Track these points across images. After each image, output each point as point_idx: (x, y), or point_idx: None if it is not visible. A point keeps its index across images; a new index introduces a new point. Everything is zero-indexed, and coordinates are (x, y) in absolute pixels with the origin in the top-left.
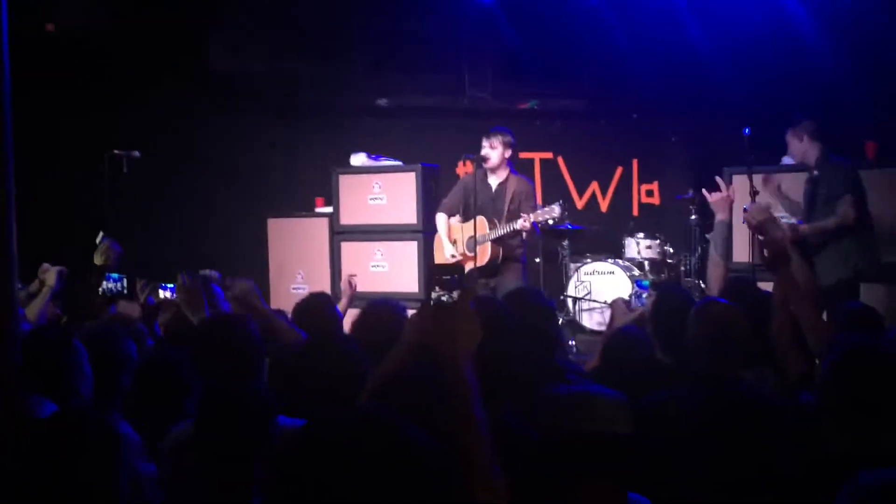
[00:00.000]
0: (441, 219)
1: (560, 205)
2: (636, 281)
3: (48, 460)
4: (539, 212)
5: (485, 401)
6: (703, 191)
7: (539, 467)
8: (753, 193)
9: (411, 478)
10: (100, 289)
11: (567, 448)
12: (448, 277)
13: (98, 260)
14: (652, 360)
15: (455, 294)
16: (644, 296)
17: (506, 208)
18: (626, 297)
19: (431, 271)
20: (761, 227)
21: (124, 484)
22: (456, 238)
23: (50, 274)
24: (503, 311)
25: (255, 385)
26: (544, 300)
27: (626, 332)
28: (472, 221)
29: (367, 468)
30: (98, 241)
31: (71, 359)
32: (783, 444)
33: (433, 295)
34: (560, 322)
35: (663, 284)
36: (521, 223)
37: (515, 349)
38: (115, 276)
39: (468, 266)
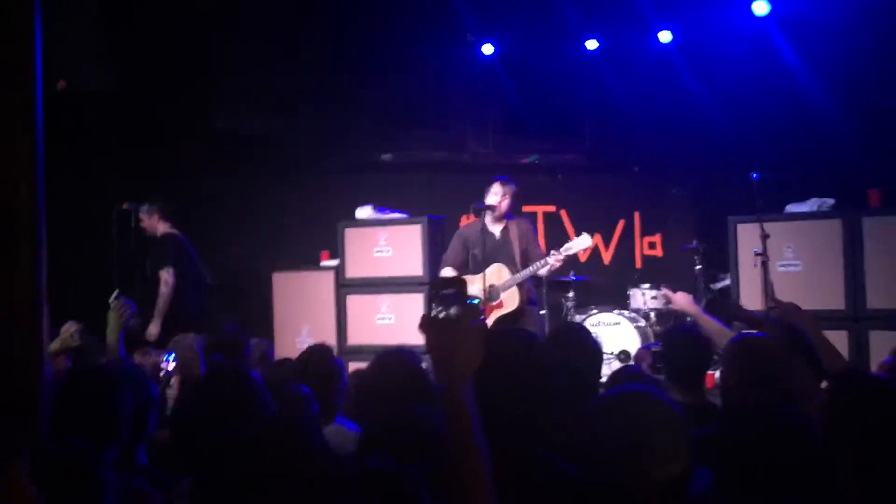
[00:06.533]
0: (449, 272)
1: (588, 234)
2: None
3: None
4: (569, 244)
5: (517, 434)
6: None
7: None
8: (764, 238)
9: None
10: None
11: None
12: (447, 292)
13: (110, 324)
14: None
15: (453, 310)
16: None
17: (517, 251)
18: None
19: (430, 286)
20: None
21: None
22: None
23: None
24: (533, 344)
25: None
26: (593, 341)
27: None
28: (483, 272)
29: None
30: (112, 299)
31: (118, 397)
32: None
33: (435, 311)
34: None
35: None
36: (554, 261)
37: (548, 385)
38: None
39: (493, 315)
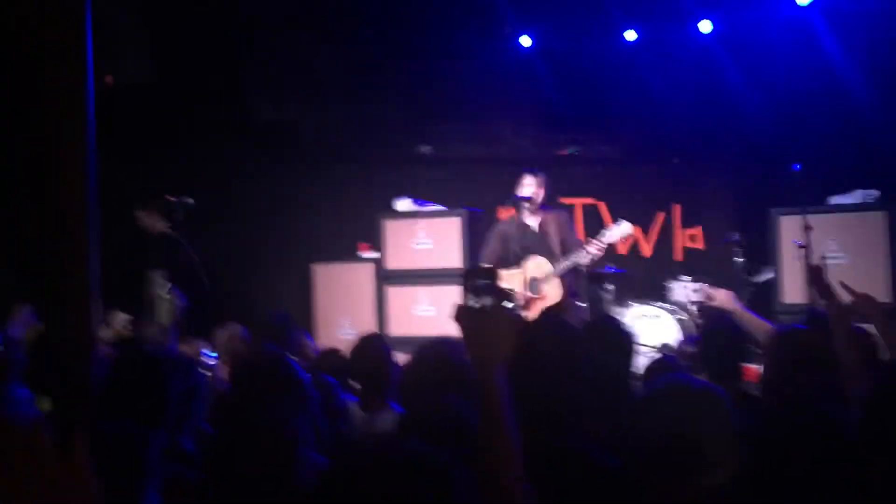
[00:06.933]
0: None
1: (628, 222)
2: None
3: None
4: (609, 233)
5: (549, 423)
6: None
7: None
8: (807, 228)
9: None
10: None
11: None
12: (481, 282)
13: (162, 315)
14: None
15: (487, 300)
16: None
17: (556, 243)
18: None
19: (463, 276)
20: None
21: None
22: (511, 285)
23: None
24: (571, 336)
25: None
26: (625, 333)
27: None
28: (524, 266)
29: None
30: (165, 290)
31: (165, 382)
32: None
33: (469, 301)
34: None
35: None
36: (595, 249)
37: (578, 375)
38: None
39: (537, 308)
